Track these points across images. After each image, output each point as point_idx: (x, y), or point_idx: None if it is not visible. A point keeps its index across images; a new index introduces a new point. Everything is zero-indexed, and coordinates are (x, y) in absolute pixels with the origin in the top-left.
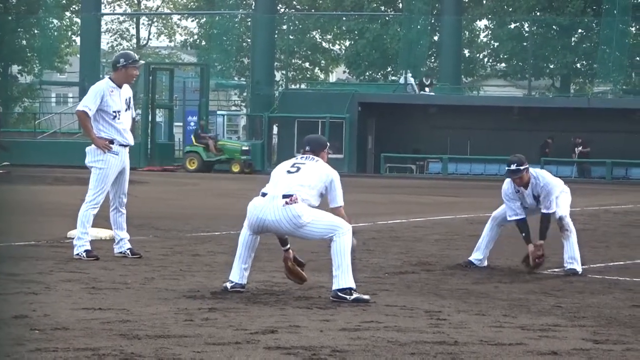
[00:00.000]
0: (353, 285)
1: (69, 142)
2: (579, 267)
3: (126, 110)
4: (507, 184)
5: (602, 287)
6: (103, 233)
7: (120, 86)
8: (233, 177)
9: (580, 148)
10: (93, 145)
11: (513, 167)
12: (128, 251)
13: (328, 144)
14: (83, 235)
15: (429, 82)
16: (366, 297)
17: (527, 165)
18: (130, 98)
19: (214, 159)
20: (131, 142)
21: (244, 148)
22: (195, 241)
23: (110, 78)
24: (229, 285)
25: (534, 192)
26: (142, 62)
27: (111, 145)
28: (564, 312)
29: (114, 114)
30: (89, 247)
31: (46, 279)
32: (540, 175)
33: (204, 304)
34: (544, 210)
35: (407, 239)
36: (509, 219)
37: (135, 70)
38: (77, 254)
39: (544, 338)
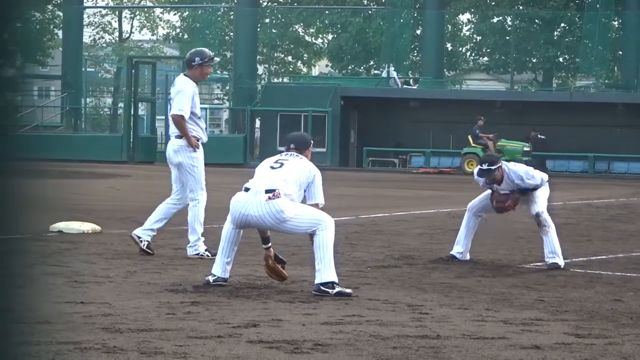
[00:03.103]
0: (335, 279)
1: (50, 135)
2: (560, 261)
3: None
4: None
5: (584, 281)
6: (85, 227)
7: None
8: (214, 170)
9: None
10: (181, 145)
11: (484, 166)
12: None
13: (312, 142)
14: (199, 235)
15: (416, 84)
16: (348, 290)
17: (500, 164)
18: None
19: None
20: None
21: (525, 149)
22: (178, 235)
23: (188, 77)
24: (211, 278)
25: (508, 188)
26: (217, 59)
27: (198, 143)
28: (546, 306)
29: (199, 113)
30: (203, 249)
31: (28, 272)
32: (513, 171)
33: (187, 298)
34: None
35: (390, 233)
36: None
37: (210, 68)
38: (199, 254)
39: (527, 332)
